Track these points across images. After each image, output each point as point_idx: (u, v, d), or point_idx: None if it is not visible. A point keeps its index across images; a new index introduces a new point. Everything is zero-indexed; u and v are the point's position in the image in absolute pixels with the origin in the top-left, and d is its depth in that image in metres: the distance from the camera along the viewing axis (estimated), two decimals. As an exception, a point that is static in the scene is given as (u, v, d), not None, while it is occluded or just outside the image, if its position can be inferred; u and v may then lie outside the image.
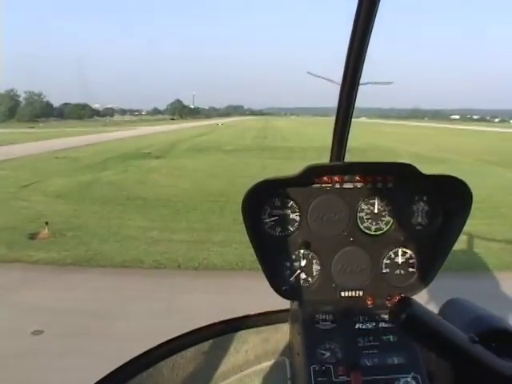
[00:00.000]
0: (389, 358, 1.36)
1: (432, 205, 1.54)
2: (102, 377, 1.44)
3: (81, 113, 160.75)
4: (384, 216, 1.54)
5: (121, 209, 13.91)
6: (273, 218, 1.51)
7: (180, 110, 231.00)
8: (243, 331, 1.71)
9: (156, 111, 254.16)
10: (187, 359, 1.61)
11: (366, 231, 1.55)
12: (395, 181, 1.51)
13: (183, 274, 8.40)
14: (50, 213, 13.06)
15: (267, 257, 1.51)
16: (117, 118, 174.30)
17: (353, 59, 1.56)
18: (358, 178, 1.50)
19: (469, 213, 1.46)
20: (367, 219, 1.54)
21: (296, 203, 1.51)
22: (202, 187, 17.78)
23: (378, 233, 1.55)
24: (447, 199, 1.51)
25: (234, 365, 1.68)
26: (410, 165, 1.44)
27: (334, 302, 1.54)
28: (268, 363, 1.70)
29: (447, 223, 1.54)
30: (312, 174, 1.46)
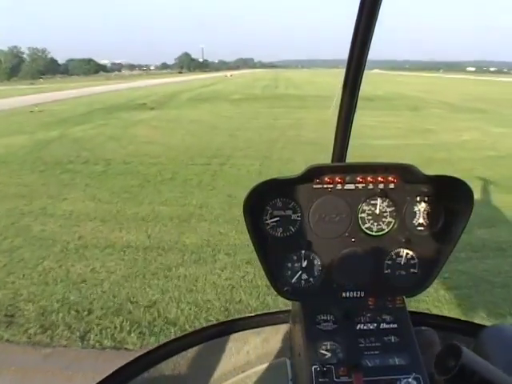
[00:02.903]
0: (390, 358, 1.31)
1: (434, 205, 1.47)
2: (103, 377, 1.37)
3: (86, 68, 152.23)
4: (385, 217, 1.47)
5: (66, 178, 9.10)
6: (274, 219, 1.43)
7: (188, 64, 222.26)
8: (244, 332, 1.68)
9: (165, 66, 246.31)
10: (188, 360, 1.56)
11: (368, 232, 1.48)
12: (397, 181, 1.44)
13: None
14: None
15: (269, 257, 1.45)
16: (124, 72, 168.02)
17: (354, 64, 1.43)
18: (359, 178, 1.42)
19: (470, 213, 1.37)
20: (369, 220, 1.47)
21: (297, 204, 1.44)
22: (194, 143, 12.99)
23: (379, 234, 1.48)
24: (449, 200, 1.44)
25: (234, 365, 1.63)
26: (411, 166, 1.37)
27: (336, 302, 1.47)
28: (269, 364, 1.65)
29: (449, 224, 1.46)
30: (313, 174, 1.40)
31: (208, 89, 42.80)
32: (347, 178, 1.41)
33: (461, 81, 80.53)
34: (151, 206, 7.11)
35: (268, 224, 1.43)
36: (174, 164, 10.28)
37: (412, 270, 1.51)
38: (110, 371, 1.38)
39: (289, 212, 1.43)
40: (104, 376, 1.37)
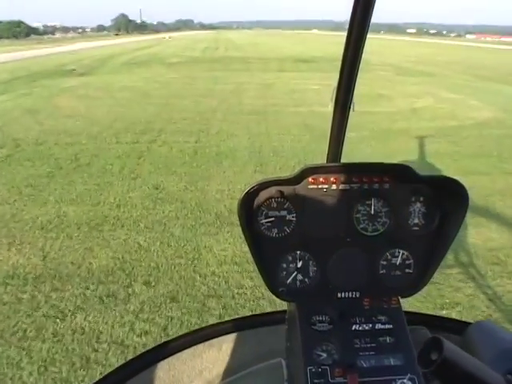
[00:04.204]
0: (385, 359, 1.25)
1: (429, 206, 1.40)
2: (98, 379, 1.37)
3: (16, 31, 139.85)
4: (381, 217, 1.40)
5: (-42, 169, 7.25)
6: (269, 219, 1.36)
7: (126, 25, 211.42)
8: (239, 332, 1.67)
9: (101, 28, 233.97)
10: (183, 361, 1.57)
11: (363, 232, 1.40)
12: (392, 182, 1.38)
13: None
14: None
15: (264, 258, 1.38)
16: (58, 35, 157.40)
17: (348, 63, 1.41)
18: (354, 178, 1.37)
19: (465, 214, 1.32)
20: (364, 220, 1.39)
21: (292, 204, 1.37)
22: (123, 116, 11.22)
23: (374, 234, 1.40)
24: (444, 200, 1.38)
25: (230, 366, 1.61)
26: (407, 166, 1.34)
27: (331, 303, 1.40)
28: (264, 364, 1.56)
29: (444, 224, 1.40)
30: (308, 174, 1.35)
31: (144, 52, 39.88)
32: (342, 179, 1.35)
33: (402, 42, 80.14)
34: (57, 207, 5.47)
35: (263, 224, 1.35)
36: (94, 144, 8.53)
37: (407, 271, 1.42)
38: (106, 372, 1.36)
39: (283, 212, 1.36)
40: (99, 378, 1.36)
